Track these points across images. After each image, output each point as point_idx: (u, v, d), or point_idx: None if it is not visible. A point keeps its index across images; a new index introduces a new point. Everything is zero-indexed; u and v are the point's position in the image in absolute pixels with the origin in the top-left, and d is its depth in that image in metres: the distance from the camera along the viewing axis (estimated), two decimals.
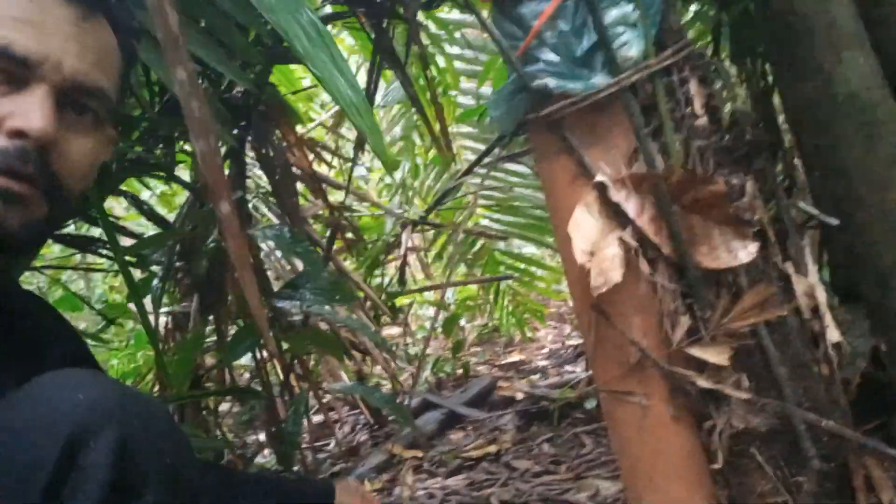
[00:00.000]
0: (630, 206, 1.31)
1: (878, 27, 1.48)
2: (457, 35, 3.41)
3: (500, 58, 3.45)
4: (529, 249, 4.76)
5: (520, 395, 3.67)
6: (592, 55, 1.28)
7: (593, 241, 1.31)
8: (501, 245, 4.31)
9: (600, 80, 1.27)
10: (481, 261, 4.25)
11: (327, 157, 3.30)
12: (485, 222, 4.02)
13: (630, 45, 1.28)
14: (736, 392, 1.33)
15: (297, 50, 0.74)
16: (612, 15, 1.28)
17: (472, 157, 3.79)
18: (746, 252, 1.28)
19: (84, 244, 1.94)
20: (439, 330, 5.07)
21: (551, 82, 1.28)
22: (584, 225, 1.32)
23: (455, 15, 3.33)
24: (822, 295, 1.47)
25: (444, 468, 2.92)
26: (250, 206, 2.60)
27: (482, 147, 3.85)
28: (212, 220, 2.11)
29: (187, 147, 2.11)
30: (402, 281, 3.27)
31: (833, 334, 1.45)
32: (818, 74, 1.46)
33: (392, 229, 3.20)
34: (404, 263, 3.27)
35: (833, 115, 1.48)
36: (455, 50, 3.54)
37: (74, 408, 0.74)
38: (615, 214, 1.33)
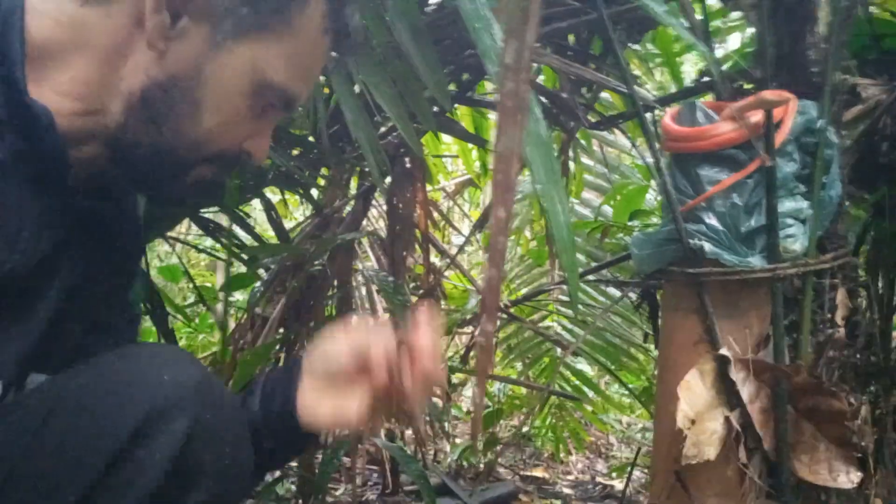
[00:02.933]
0: (746, 389, 1.30)
1: None
2: (596, 148, 3.52)
3: (628, 185, 3.53)
4: (584, 367, 4.68)
5: None
6: (755, 236, 1.31)
7: (699, 410, 1.30)
8: (562, 356, 4.26)
9: (757, 261, 1.29)
10: (539, 364, 4.21)
11: (437, 218, 3.41)
12: (558, 329, 4.01)
13: (795, 239, 1.30)
14: None
15: (534, 175, 0.80)
16: (785, 205, 1.31)
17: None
18: (848, 478, 1.24)
19: (213, 229, 2.07)
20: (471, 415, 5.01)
21: (708, 247, 1.31)
22: (695, 391, 1.32)
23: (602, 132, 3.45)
24: None
25: None
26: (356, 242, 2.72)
27: (581, 257, 3.90)
28: (328, 245, 2.21)
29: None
30: (465, 359, 3.28)
31: None
32: None
33: (473, 307, 3.23)
34: (472, 342, 3.28)
35: None
36: (588, 161, 3.64)
37: (157, 387, 0.77)
38: (727, 392, 1.32)
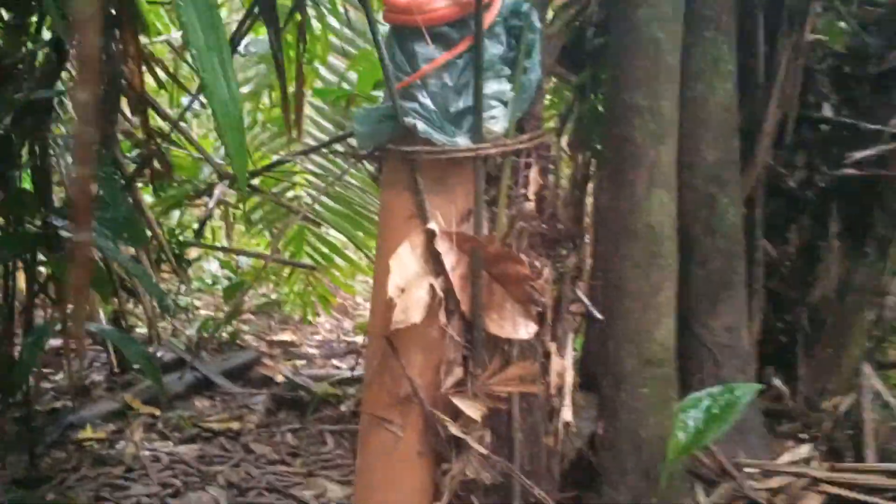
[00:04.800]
0: (449, 259, 1.42)
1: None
2: (341, 9, 3.36)
3: (371, 53, 3.47)
4: (334, 234, 4.75)
5: (280, 378, 3.65)
6: (463, 116, 1.38)
7: (408, 279, 1.40)
8: (311, 225, 4.25)
9: (463, 141, 1.37)
10: (287, 234, 4.17)
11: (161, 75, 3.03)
12: (306, 199, 3.96)
13: (497, 121, 1.40)
14: (477, 445, 1.48)
15: (191, 42, 0.71)
16: (491, 87, 1.38)
17: (315, 131, 3.73)
18: (527, 330, 1.45)
19: None
20: (216, 287, 4.88)
21: (420, 126, 1.34)
22: (405, 262, 1.40)
23: None
24: (570, 378, 1.70)
25: (178, 433, 2.80)
26: (55, 101, 2.32)
27: (328, 125, 3.82)
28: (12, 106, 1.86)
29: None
30: (199, 234, 3.11)
31: (567, 414, 1.68)
32: (630, 200, 1.71)
33: (208, 177, 3.03)
34: (208, 216, 3.11)
35: (628, 235, 1.74)
36: (334, 23, 3.48)
37: None
38: (433, 262, 1.43)
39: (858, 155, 1.91)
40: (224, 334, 4.11)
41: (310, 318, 5.16)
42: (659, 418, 1.70)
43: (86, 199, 0.45)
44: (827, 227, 2.12)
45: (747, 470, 1.82)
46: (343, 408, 3.13)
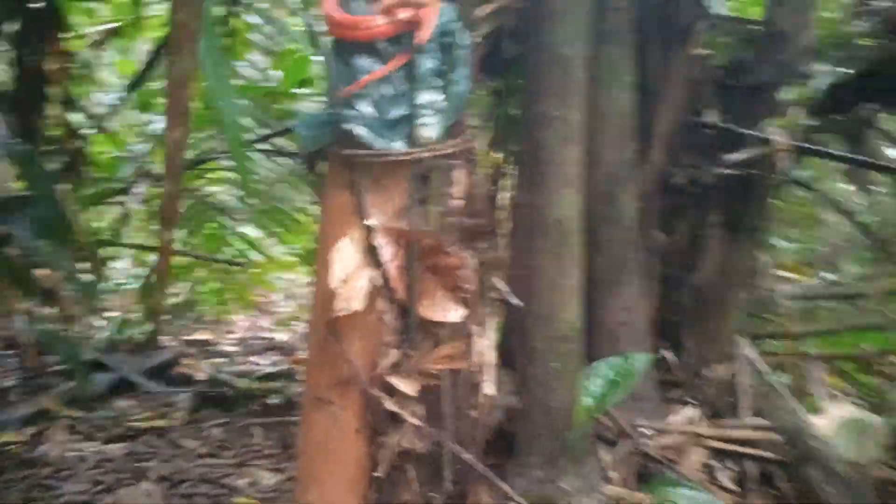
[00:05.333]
0: (386, 252, 1.57)
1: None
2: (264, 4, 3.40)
3: (294, 54, 3.54)
4: (249, 231, 4.74)
5: (201, 376, 3.66)
6: (399, 123, 1.53)
7: (349, 271, 1.54)
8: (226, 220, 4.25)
9: (400, 146, 1.53)
10: (204, 230, 4.15)
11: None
12: (224, 196, 3.97)
13: (430, 128, 1.56)
14: (412, 419, 1.65)
15: (206, 71, 0.83)
16: (425, 97, 1.54)
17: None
18: (456, 315, 1.63)
19: None
20: (127, 287, 4.76)
21: (362, 132, 1.49)
22: (346, 255, 1.54)
23: None
24: (490, 357, 1.88)
25: (103, 433, 2.79)
26: None
27: (247, 122, 3.84)
28: None
29: None
30: (117, 232, 3.09)
31: (489, 388, 1.87)
32: (543, 197, 1.93)
33: (130, 175, 3.01)
34: (128, 215, 3.10)
35: (541, 229, 1.95)
36: (256, 19, 3.50)
37: None
38: (372, 255, 1.58)
39: (733, 157, 2.21)
40: (140, 335, 4.05)
41: (228, 316, 5.13)
42: (566, 389, 1.92)
43: (173, 210, 0.57)
44: (709, 218, 2.42)
45: (643, 430, 2.08)
46: (270, 402, 3.19)
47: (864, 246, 3.26)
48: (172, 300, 4.97)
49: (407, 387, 1.64)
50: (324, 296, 1.61)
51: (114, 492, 2.28)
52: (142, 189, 2.90)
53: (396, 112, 1.51)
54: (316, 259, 1.72)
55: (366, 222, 1.57)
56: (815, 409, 2.30)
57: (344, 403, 1.67)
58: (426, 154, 1.56)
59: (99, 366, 3.31)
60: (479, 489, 1.87)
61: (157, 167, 3.11)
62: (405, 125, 1.53)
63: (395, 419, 1.67)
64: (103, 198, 2.94)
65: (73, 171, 2.58)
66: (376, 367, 1.65)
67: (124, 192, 3.07)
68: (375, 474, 1.68)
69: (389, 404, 1.64)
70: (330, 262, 1.55)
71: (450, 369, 1.73)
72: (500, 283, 2.02)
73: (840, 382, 2.96)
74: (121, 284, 4.81)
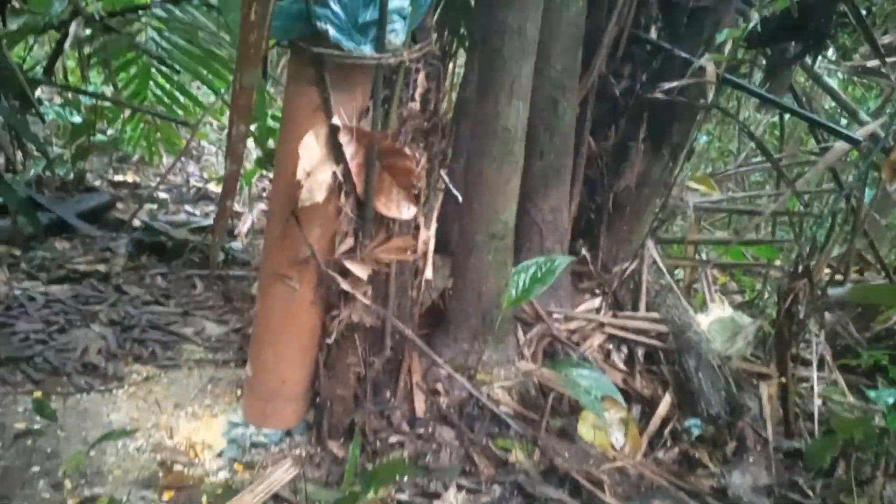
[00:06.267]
0: (349, 150, 1.70)
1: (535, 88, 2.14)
2: None
3: None
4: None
5: (137, 223, 3.71)
6: (368, 27, 1.59)
7: (314, 164, 1.66)
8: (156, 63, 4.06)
9: (368, 50, 1.60)
10: (127, 72, 3.97)
11: None
12: (154, 36, 3.77)
13: (397, 34, 1.63)
14: (361, 297, 1.87)
15: None
16: (393, 3, 1.60)
17: None
18: (409, 212, 1.81)
19: None
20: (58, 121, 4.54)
21: (332, 31, 1.55)
22: (311, 149, 1.66)
23: None
24: (430, 245, 2.11)
25: (45, 274, 2.87)
26: None
27: None
28: None
29: None
30: (49, 70, 2.97)
31: (428, 273, 2.11)
32: (494, 107, 2.06)
33: (61, 12, 2.84)
34: (58, 53, 2.97)
35: (489, 135, 2.10)
36: None
37: None
38: (335, 151, 1.70)
39: (667, 85, 2.38)
40: (70, 175, 3.98)
41: (155, 159, 5.03)
42: (497, 278, 2.18)
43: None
44: (638, 130, 2.63)
45: (555, 316, 2.42)
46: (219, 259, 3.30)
47: (766, 169, 3.60)
48: (96, 139, 4.82)
49: (359, 271, 1.84)
50: (287, 184, 1.74)
51: (67, 332, 2.43)
52: (76, 27, 2.77)
53: (366, 16, 1.57)
54: (279, 152, 1.82)
55: (331, 121, 1.67)
56: (701, 308, 2.70)
57: (301, 280, 1.86)
58: (393, 60, 1.65)
59: (34, 205, 3.30)
60: (413, 356, 2.17)
61: (90, 7, 2.95)
62: (373, 28, 1.59)
63: (346, 297, 1.89)
64: (34, 32, 2.79)
65: (3, 4, 2.44)
66: (333, 252, 1.83)
67: (56, 28, 2.92)
68: (327, 341, 1.92)
69: (343, 284, 1.85)
70: (297, 156, 1.66)
71: (399, 259, 1.94)
72: (444, 178, 2.19)
73: (728, 284, 3.41)
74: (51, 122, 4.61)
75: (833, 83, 3.82)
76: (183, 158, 5.89)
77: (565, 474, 1.90)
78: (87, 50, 3.45)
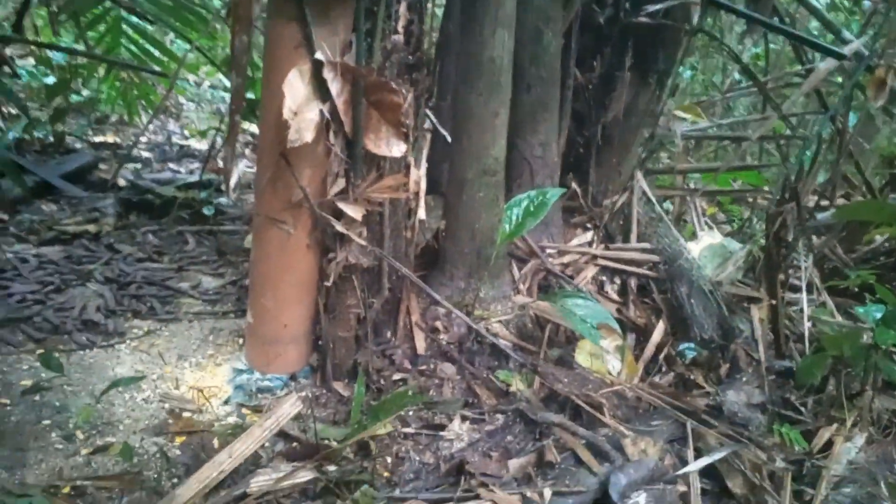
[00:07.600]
0: (334, 86, 1.67)
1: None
2: None
3: None
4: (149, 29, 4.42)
5: (122, 182, 3.66)
6: None
7: (300, 103, 1.64)
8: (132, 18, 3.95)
9: None
10: (101, 27, 3.85)
11: None
12: None
13: None
14: (357, 238, 1.88)
15: None
16: None
17: None
18: (399, 149, 1.79)
19: None
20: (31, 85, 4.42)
21: None
22: (296, 87, 1.63)
23: None
24: (422, 185, 2.10)
25: (35, 236, 2.84)
26: None
27: None
28: None
29: None
30: (18, 27, 2.89)
31: (421, 213, 2.11)
32: (478, 38, 2.02)
33: None
34: (25, 8, 2.88)
35: (474, 67, 2.07)
36: None
37: None
38: (321, 88, 1.68)
39: (651, 8, 2.34)
40: (50, 136, 3.91)
41: (134, 117, 4.94)
42: (489, 215, 2.19)
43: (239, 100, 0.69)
44: (623, 59, 2.60)
45: (548, 251, 2.44)
46: (207, 213, 3.29)
47: (752, 93, 3.58)
48: (76, 98, 4.72)
49: (353, 211, 1.84)
50: (274, 125, 1.72)
51: (63, 292, 2.43)
52: None
53: None
54: (263, 92, 1.79)
55: (314, 56, 1.64)
56: (691, 236, 2.73)
57: (295, 224, 1.86)
58: None
59: (20, 168, 3.25)
60: (411, 295, 2.19)
61: None
62: None
63: (342, 239, 1.89)
64: None
65: None
66: (325, 193, 1.83)
67: None
68: (325, 284, 1.94)
69: (338, 226, 1.85)
70: (282, 95, 1.64)
71: (391, 198, 1.94)
72: (432, 118, 2.17)
73: (716, 214, 3.44)
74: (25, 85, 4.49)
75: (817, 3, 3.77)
76: (163, 116, 5.80)
77: (565, 399, 1.95)
78: (54, 6, 3.33)
